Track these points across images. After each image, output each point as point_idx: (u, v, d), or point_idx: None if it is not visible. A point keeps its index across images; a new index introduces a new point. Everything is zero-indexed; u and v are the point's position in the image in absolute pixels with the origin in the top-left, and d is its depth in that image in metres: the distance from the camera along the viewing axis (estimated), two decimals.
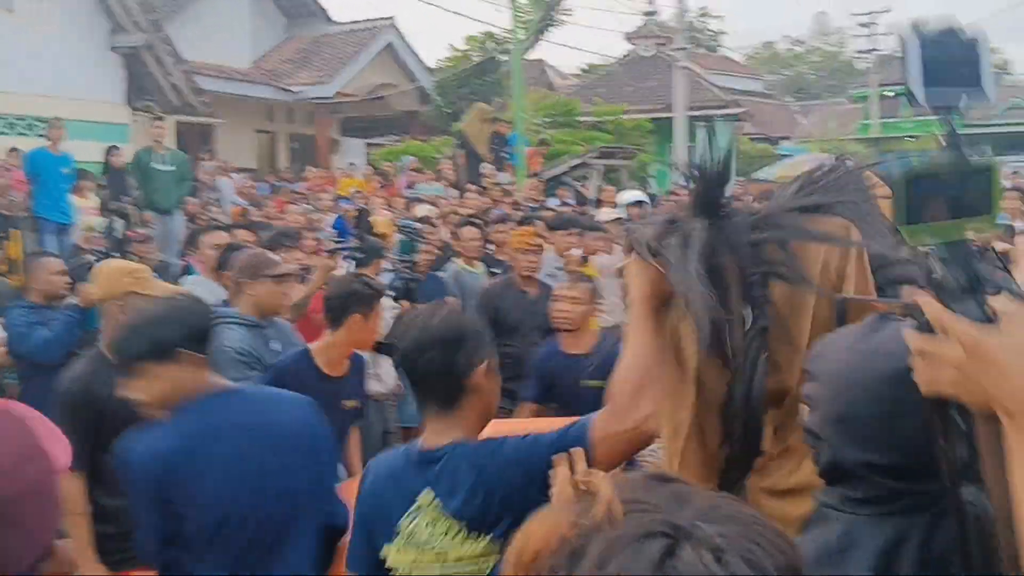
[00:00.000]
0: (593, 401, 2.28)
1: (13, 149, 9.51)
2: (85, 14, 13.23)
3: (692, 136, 20.73)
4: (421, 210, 9.50)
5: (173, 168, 10.62)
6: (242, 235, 6.24)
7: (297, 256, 5.39)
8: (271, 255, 4.29)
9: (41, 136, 10.35)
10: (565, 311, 4.41)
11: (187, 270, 7.29)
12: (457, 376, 2.01)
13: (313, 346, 3.79)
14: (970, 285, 1.22)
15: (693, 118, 20.12)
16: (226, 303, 4.44)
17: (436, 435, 2.03)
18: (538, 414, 4.39)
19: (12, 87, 11.48)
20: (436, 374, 2.01)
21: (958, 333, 1.14)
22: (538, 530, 0.84)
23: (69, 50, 12.74)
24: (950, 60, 1.37)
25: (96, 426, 3.05)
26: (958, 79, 1.37)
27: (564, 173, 14.01)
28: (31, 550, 0.88)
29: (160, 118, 11.01)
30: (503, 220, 7.95)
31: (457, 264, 6.86)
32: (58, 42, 12.54)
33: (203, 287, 5.42)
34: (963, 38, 1.38)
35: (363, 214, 9.00)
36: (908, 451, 1.27)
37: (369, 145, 20.75)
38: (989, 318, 1.20)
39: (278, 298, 4.02)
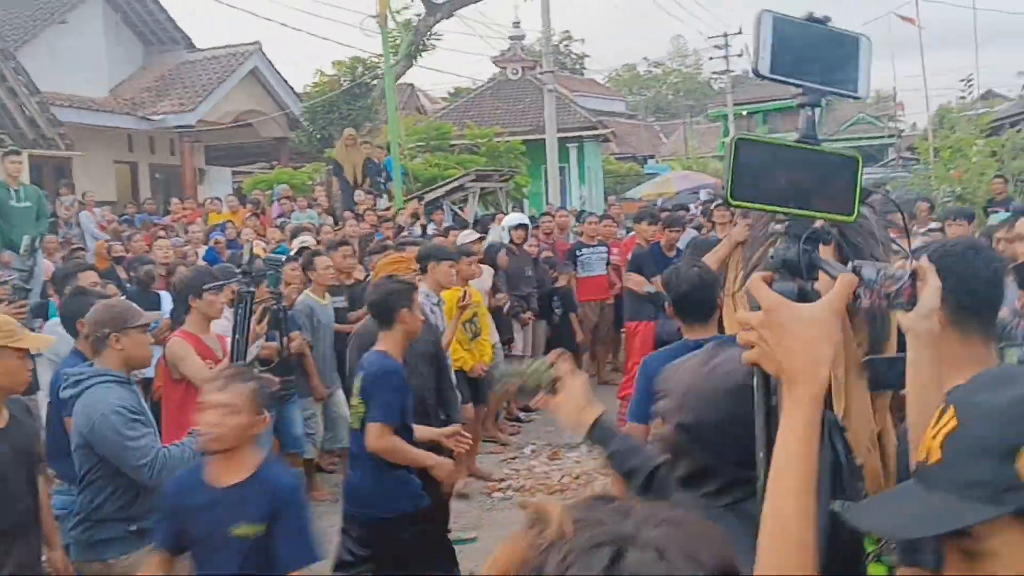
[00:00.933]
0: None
1: None
2: None
3: (563, 156, 21.10)
4: (299, 241, 9.31)
5: (30, 204, 10.08)
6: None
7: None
8: (130, 305, 4.08)
9: None
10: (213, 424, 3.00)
11: (47, 309, 6.91)
12: None
13: (386, 349, 4.22)
14: (799, 266, 1.37)
15: (563, 139, 20.47)
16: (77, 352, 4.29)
17: None
18: None
19: None
20: None
21: (760, 299, 1.29)
22: (503, 555, 0.93)
23: None
24: (814, 48, 1.42)
25: None
26: (821, 69, 1.42)
27: (441, 197, 13.98)
28: None
29: (15, 152, 10.42)
30: (382, 250, 7.77)
31: (308, 295, 6.77)
32: None
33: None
34: (835, 33, 1.44)
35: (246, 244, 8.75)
36: (745, 448, 1.45)
37: (236, 173, 20.24)
38: (805, 296, 1.33)
39: (146, 350, 3.92)
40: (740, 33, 37.50)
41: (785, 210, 1.38)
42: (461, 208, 14.03)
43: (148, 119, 17.88)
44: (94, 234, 12.96)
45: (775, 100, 40.76)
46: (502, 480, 7.19)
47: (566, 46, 48.68)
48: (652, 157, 35.94)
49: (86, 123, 16.24)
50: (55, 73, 15.53)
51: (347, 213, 13.35)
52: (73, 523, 3.67)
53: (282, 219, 13.36)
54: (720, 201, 8.36)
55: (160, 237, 10.68)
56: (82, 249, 10.90)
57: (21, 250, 9.01)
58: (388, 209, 13.91)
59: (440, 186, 14.48)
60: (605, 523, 0.92)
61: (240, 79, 19.31)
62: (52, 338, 4.26)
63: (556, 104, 19.43)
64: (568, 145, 21.71)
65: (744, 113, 39.91)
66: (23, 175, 10.36)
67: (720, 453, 1.66)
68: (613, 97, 40.46)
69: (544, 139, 19.09)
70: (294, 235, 10.16)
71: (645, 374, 3.79)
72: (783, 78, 1.40)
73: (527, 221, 10.29)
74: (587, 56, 52.26)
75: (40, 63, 14.88)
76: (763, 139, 1.37)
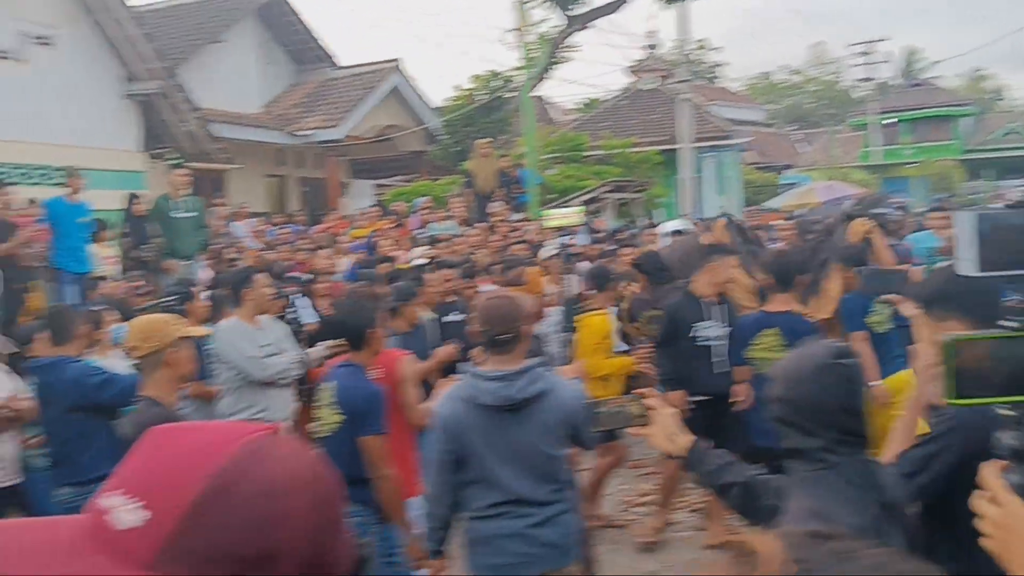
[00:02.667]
0: None
1: (32, 200, 9.52)
2: (98, 62, 13.34)
3: (698, 167, 20.82)
4: (416, 253, 9.50)
5: (193, 214, 10.66)
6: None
7: None
8: None
9: (58, 185, 10.37)
10: None
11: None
12: None
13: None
14: None
15: (698, 149, 20.22)
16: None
17: None
18: None
19: (28, 137, 11.53)
20: None
21: (996, 496, 1.37)
22: None
23: (84, 99, 12.82)
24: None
25: None
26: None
27: None
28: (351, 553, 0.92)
29: (180, 165, 11.06)
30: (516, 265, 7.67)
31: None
32: (72, 91, 12.61)
33: (238, 330, 5.44)
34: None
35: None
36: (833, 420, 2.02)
37: (377, 186, 20.83)
38: None
39: None
40: (885, 40, 36.15)
41: (1012, 399, 1.38)
42: (597, 219, 14.02)
43: (296, 135, 18.65)
44: (248, 243, 13.60)
45: (922, 108, 39.22)
46: (644, 495, 7.11)
47: (701, 54, 48.05)
48: (789, 167, 35.02)
49: (240, 138, 17.05)
50: (211, 90, 16.36)
51: (478, 225, 13.57)
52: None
53: (421, 230, 13.66)
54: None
55: (321, 247, 11.06)
56: (236, 259, 11.40)
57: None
58: (525, 221, 14.05)
59: (575, 197, 14.52)
60: (829, 568, 0.87)
61: (382, 96, 19.92)
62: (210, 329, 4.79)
63: (691, 113, 19.21)
64: (703, 155, 21.42)
65: (888, 121, 38.49)
66: (186, 187, 10.96)
67: (814, 425, 2.04)
68: (750, 106, 39.65)
69: (678, 148, 18.90)
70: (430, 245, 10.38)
71: None
72: (995, 273, 1.41)
73: (684, 227, 10.23)
74: (723, 64, 51.48)
75: (198, 81, 15.72)
76: (978, 336, 1.39)
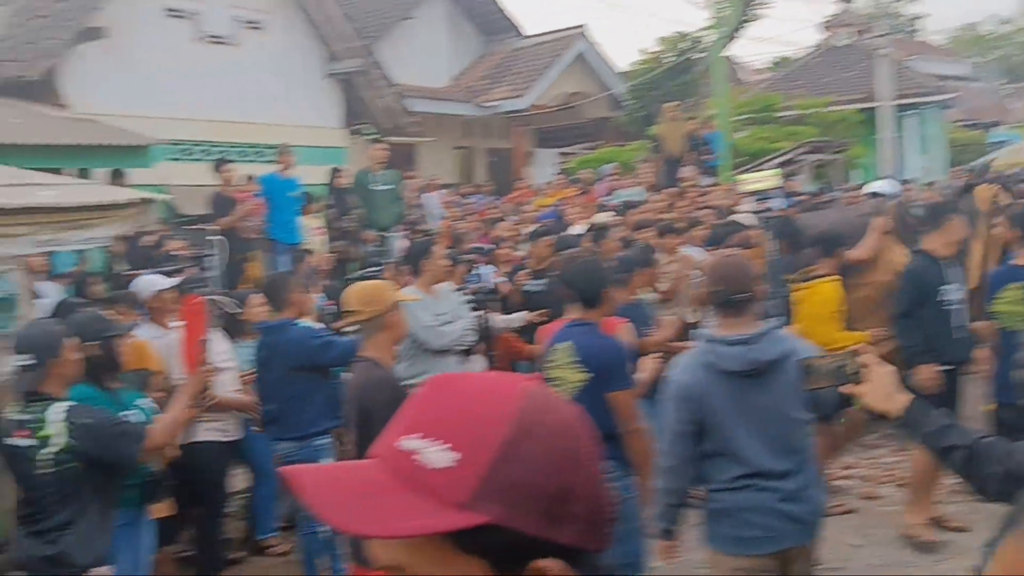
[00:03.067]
0: None
1: (249, 176, 10.14)
2: (304, 44, 14.03)
3: (898, 126, 19.65)
4: (599, 218, 9.41)
5: (390, 187, 11.06)
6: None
7: None
8: None
9: (270, 162, 11.00)
10: None
11: None
12: None
13: None
14: None
15: (899, 107, 19.08)
16: None
17: None
18: None
19: (243, 117, 12.29)
20: None
21: None
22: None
23: (291, 79, 13.53)
24: None
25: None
26: None
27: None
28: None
29: (379, 140, 11.48)
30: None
31: None
32: (281, 72, 13.34)
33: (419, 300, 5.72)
34: None
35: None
36: None
37: (562, 155, 20.92)
38: None
39: None
40: None
41: None
42: (792, 181, 13.51)
43: (483, 106, 18.96)
44: (440, 213, 14.00)
45: None
46: (847, 467, 6.88)
47: (899, 7, 45.15)
48: (997, 124, 32.47)
49: (430, 112, 17.53)
50: (403, 65, 16.87)
51: (667, 190, 13.35)
52: None
53: (608, 197, 13.61)
54: None
55: (501, 218, 11.25)
56: (428, 230, 11.74)
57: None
58: (716, 185, 13.73)
59: (769, 159, 14.05)
60: None
61: (567, 64, 19.91)
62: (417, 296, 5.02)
63: (890, 69, 18.11)
64: (904, 113, 20.18)
65: None
66: (384, 160, 11.38)
67: None
68: (954, 59, 36.96)
69: (877, 107, 17.89)
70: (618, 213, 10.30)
71: None
72: None
73: (891, 188, 9.74)
74: (922, 16, 48.23)
75: (390, 57, 16.23)
76: None
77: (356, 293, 3.87)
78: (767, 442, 3.20)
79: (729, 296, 3.26)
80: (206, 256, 9.20)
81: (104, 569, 3.60)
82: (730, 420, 3.20)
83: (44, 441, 3.28)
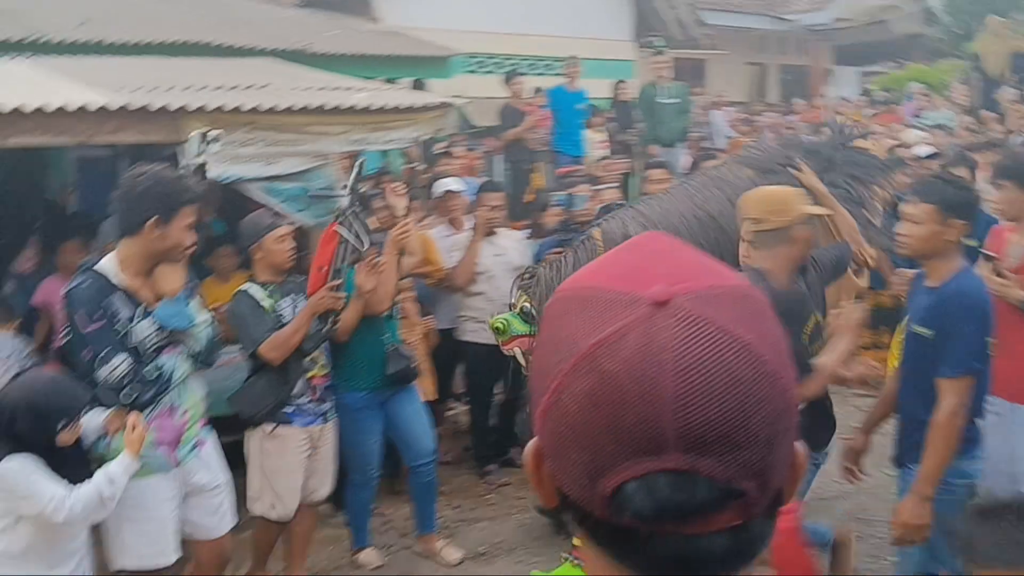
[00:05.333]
0: None
1: (537, 89, 10.39)
2: None
3: None
4: (912, 137, 8.72)
5: (676, 101, 10.93)
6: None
7: None
8: None
9: (558, 75, 11.18)
10: None
11: None
12: None
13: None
14: None
15: None
16: None
17: None
18: None
19: (534, 30, 12.51)
20: None
21: None
22: None
23: None
24: None
25: None
26: None
27: None
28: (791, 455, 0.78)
29: (661, 53, 11.32)
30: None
31: None
32: None
33: None
34: None
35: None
36: None
37: (864, 73, 19.54)
38: None
39: None
40: None
41: None
42: None
43: (781, 18, 18.04)
44: (726, 132, 13.65)
45: None
46: None
47: None
48: None
49: (724, 24, 16.93)
50: None
51: (984, 113, 12.17)
52: None
53: (916, 118, 12.62)
54: None
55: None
56: (714, 148, 11.50)
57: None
58: None
59: None
60: None
61: None
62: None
63: None
64: None
65: None
66: (669, 74, 11.22)
67: None
68: None
69: None
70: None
71: None
72: None
73: None
74: None
75: None
76: None
77: (764, 199, 3.51)
78: None
79: None
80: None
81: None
82: None
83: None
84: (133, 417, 3.30)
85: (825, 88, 18.23)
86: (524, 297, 4.62)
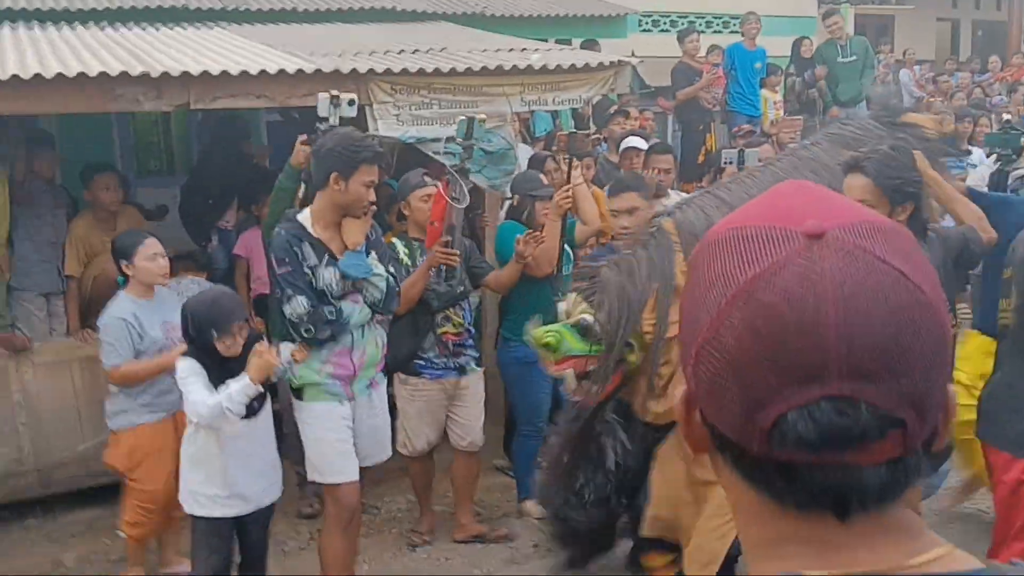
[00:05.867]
0: None
1: (713, 46, 10.16)
2: None
3: None
4: None
5: (855, 58, 10.48)
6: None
7: None
8: None
9: (735, 33, 10.90)
10: None
11: None
12: None
13: None
14: None
15: None
16: None
17: None
18: None
19: None
20: None
21: None
22: None
23: None
24: None
25: None
26: None
27: None
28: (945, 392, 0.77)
29: (835, 11, 10.86)
30: None
31: None
32: None
33: None
34: None
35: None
36: None
37: None
38: None
39: None
40: None
41: None
42: None
43: None
44: (911, 92, 12.96)
45: None
46: None
47: None
48: None
49: None
50: None
51: None
52: None
53: None
54: None
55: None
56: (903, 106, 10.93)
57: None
58: None
59: None
60: None
61: None
62: None
63: None
64: None
65: None
66: (844, 32, 10.75)
67: None
68: None
69: None
70: None
71: None
72: None
73: None
74: None
75: None
76: None
77: None
78: None
79: None
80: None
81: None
82: None
83: None
84: (262, 346, 3.65)
85: None
86: (583, 307, 3.57)
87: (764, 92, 10.18)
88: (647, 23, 11.55)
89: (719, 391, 0.75)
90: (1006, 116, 8.29)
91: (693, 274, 0.80)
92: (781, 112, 10.28)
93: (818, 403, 0.70)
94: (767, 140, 7.86)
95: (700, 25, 11.42)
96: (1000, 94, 11.83)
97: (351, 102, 4.41)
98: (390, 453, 4.30)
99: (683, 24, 11.35)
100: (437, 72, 5.22)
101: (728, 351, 0.73)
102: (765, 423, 0.72)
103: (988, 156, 6.32)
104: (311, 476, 4.07)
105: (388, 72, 5.13)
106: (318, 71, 4.91)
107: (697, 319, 0.77)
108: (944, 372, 0.75)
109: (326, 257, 3.81)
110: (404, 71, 5.14)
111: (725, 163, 6.66)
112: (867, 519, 0.74)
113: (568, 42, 8.72)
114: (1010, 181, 5.27)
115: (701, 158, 9.33)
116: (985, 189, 5.33)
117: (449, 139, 5.00)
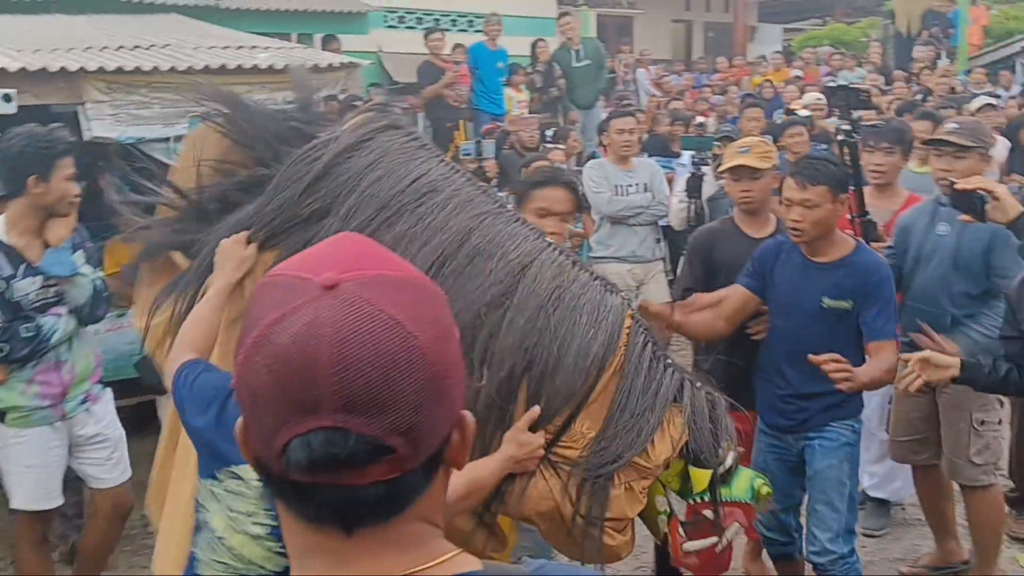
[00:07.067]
0: None
1: (458, 45, 10.40)
2: None
3: None
4: (805, 100, 8.93)
5: (589, 62, 11.01)
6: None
7: None
8: None
9: (479, 32, 11.20)
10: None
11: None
12: None
13: None
14: None
15: None
16: None
17: None
18: None
19: None
20: None
21: None
22: None
23: None
24: None
25: None
26: None
27: (1016, 55, 12.34)
28: (450, 422, 0.90)
29: (566, 13, 11.37)
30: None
31: None
32: None
33: (598, 169, 5.98)
34: None
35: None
36: None
37: (787, 31, 19.84)
38: None
39: None
40: None
41: None
42: None
43: None
44: (648, 91, 13.78)
45: None
46: None
47: None
48: None
49: None
50: None
51: (897, 73, 12.48)
52: None
53: (829, 78, 12.90)
54: None
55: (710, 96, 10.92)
56: (634, 105, 11.62)
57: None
58: (951, 69, 12.69)
59: (1015, 42, 12.78)
60: None
61: None
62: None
63: None
64: None
65: None
66: (581, 32, 11.25)
67: None
68: None
69: None
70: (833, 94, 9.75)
71: None
72: None
73: None
74: None
75: None
76: None
77: None
78: None
79: None
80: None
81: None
82: None
83: None
84: None
85: (749, 46, 18.48)
86: None
87: (509, 91, 10.53)
88: (392, 19, 11.64)
89: (249, 419, 0.87)
90: (699, 120, 9.05)
91: (245, 315, 0.91)
92: (526, 111, 10.67)
93: (315, 432, 0.82)
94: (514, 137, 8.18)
95: (446, 23, 11.64)
96: (721, 94, 12.81)
97: (7, 98, 4.16)
98: (130, 474, 3.97)
99: (429, 21, 11.53)
100: (156, 70, 5.05)
101: (252, 385, 0.84)
102: (277, 448, 0.83)
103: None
104: (13, 504, 3.76)
105: (101, 70, 4.91)
106: (23, 69, 4.63)
107: (236, 355, 0.88)
108: (442, 405, 0.86)
109: (22, 267, 3.57)
110: (119, 69, 4.94)
111: (462, 155, 6.89)
112: (372, 532, 0.86)
113: (309, 37, 8.66)
114: (704, 187, 5.66)
115: (450, 156, 9.52)
116: (684, 191, 5.75)
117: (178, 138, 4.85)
